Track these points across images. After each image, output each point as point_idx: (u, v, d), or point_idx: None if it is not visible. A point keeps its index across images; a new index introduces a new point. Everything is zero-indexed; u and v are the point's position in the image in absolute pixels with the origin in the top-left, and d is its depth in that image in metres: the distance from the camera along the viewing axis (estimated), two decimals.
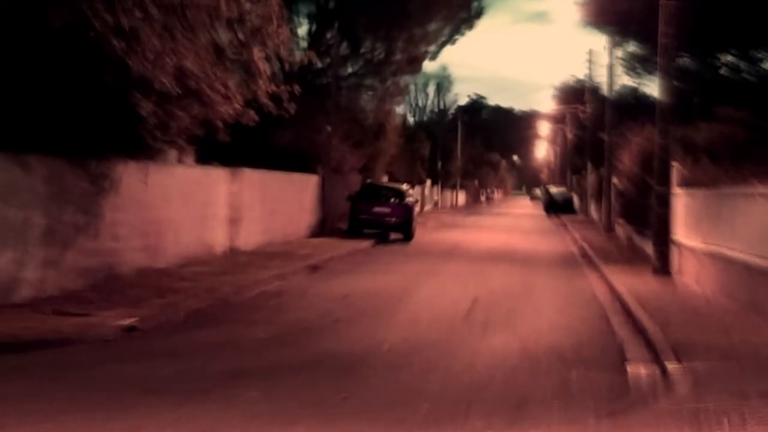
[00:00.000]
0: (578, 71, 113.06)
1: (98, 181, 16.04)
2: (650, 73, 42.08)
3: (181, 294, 15.66)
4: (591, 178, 55.81)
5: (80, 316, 12.87)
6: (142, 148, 16.71)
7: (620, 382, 10.46)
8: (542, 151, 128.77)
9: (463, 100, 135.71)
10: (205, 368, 10.58)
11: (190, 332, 13.04)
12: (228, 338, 12.71)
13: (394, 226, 34.82)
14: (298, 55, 21.39)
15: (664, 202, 21.99)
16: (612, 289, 19.54)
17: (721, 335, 13.33)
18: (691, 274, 20.23)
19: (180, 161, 21.60)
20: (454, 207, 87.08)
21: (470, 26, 40.99)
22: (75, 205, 15.30)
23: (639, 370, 11.18)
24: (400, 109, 61.45)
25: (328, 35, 37.75)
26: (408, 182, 45.94)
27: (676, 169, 22.54)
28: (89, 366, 10.50)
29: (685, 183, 22.05)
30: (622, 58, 44.71)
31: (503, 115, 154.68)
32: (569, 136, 79.73)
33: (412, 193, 40.85)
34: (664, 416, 8.93)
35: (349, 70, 39.60)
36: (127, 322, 12.69)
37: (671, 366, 10.88)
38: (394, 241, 34.23)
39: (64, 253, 15.00)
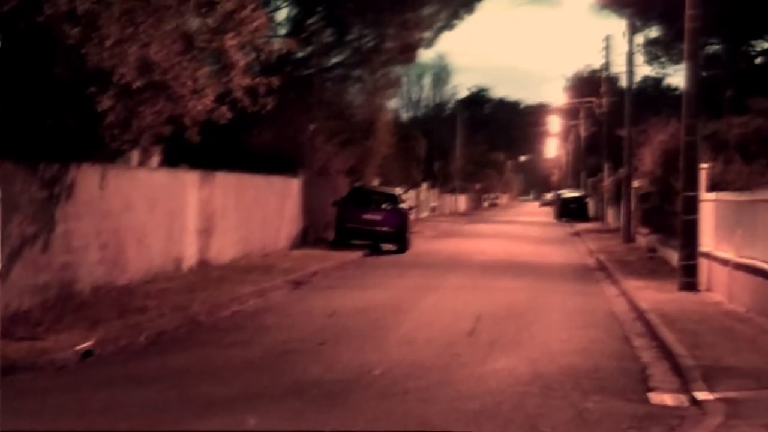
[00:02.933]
0: (593, 60, 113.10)
1: (50, 186, 15.96)
2: (675, 61, 42.19)
3: (144, 313, 15.60)
4: (608, 181, 55.85)
5: (29, 340, 12.81)
6: (100, 149, 16.66)
7: (643, 413, 10.43)
8: (553, 150, 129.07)
9: (462, 93, 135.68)
10: (172, 398, 10.52)
11: (156, 357, 12.99)
12: (199, 363, 12.66)
13: (386, 236, 34.76)
14: (277, 44, 21.37)
15: (692, 208, 21.97)
16: (633, 306, 19.53)
17: (757, 359, 13.32)
18: (723, 289, 20.22)
19: (143, 164, 21.54)
20: (454, 213, 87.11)
21: (470, 9, 41.03)
22: (23, 214, 15.21)
23: (664, 399, 11.18)
24: (392, 104, 61.40)
25: (311, 20, 37.69)
26: (402, 186, 45.94)
27: (704, 171, 22.54)
28: (40, 396, 10.44)
29: (716, 186, 22.05)
30: (643, 45, 44.84)
31: (508, 109, 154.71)
32: (583, 133, 79.92)
33: (407, 198, 40.81)
34: None
35: (335, 60, 39.52)
36: (82, 345, 12.63)
37: (701, 395, 10.87)
38: (387, 253, 34.19)
39: (9, 267, 14.89)
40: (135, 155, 20.44)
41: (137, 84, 15.15)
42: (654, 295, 20.61)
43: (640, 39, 44.22)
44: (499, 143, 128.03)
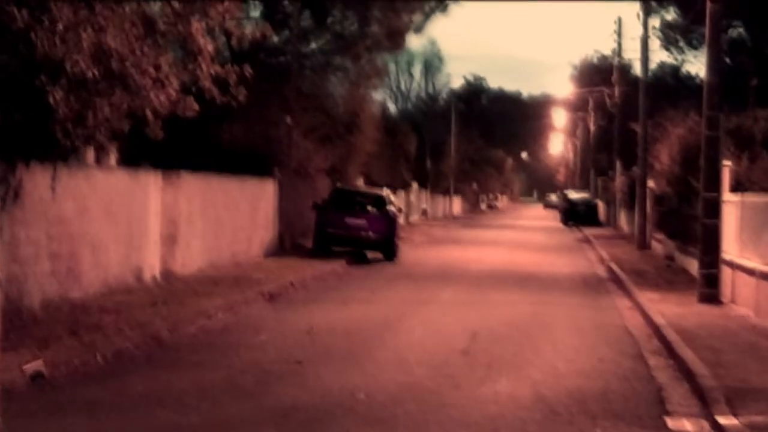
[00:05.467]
0: (603, 46, 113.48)
1: None
2: (695, 47, 42.39)
3: (101, 331, 15.57)
4: (620, 181, 56.01)
5: None
6: (51, 147, 16.60)
7: None
8: (558, 146, 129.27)
9: (457, 83, 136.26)
10: (132, 427, 10.53)
11: (114, 380, 12.98)
12: (162, 387, 12.65)
13: (371, 243, 34.78)
14: (249, 28, 21.36)
15: (713, 211, 22.01)
16: (648, 321, 19.59)
17: None
18: (748, 301, 20.27)
19: (100, 163, 21.52)
20: (448, 217, 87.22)
21: None
22: None
23: (683, 424, 11.21)
24: (378, 95, 61.49)
25: (286, 2, 37.74)
26: (389, 187, 45.96)
27: (727, 169, 22.59)
28: None
29: (740, 186, 22.09)
30: (658, 29, 45.00)
31: (508, 101, 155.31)
32: (592, 127, 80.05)
33: (395, 201, 40.83)
34: None
35: (314, 46, 39.60)
36: (31, 366, 12.60)
37: (723, 419, 10.90)
38: (373, 261, 34.23)
39: None
40: (90, 154, 20.41)
41: (92, 73, 15.13)
42: (671, 308, 20.67)
43: (655, 22, 44.38)
44: (498, 139, 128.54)
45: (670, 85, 53.51)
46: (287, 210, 34.79)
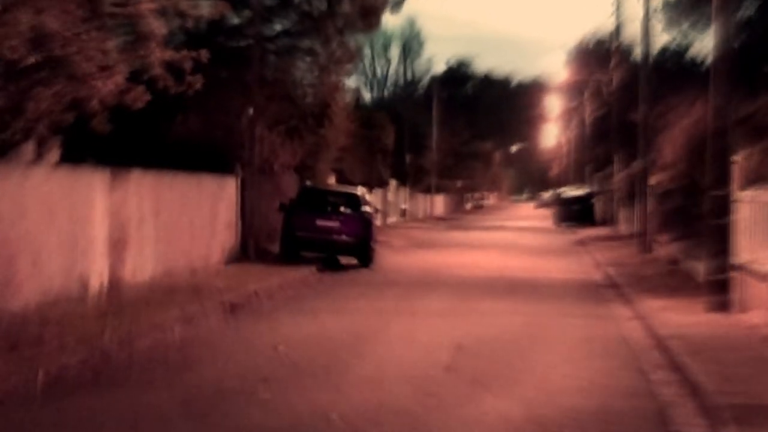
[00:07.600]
0: (601, 27, 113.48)
1: None
2: (700, 29, 42.42)
3: (42, 345, 15.51)
4: (619, 177, 56.13)
5: None
6: None
7: None
8: (551, 138, 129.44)
9: (439, 67, 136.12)
10: None
11: (56, 400, 12.94)
12: (109, 408, 12.61)
13: (345, 247, 34.79)
14: (206, 8, 21.34)
15: (722, 210, 22.02)
16: (650, 332, 19.63)
17: None
18: (762, 310, 20.31)
19: (40, 159, 21.44)
20: (430, 217, 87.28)
21: None
22: None
23: None
24: (351, 82, 61.49)
25: None
26: (365, 185, 45.94)
27: (739, 164, 22.64)
28: None
29: (752, 182, 22.13)
30: (661, 10, 45.04)
31: (496, 87, 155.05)
32: (588, 117, 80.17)
33: (371, 200, 40.81)
34: None
35: (278, 27, 39.47)
36: None
37: None
38: (347, 268, 34.23)
39: None
40: (29, 149, 20.33)
41: (31, 60, 15.10)
42: (676, 318, 20.72)
43: (656, 1, 44.48)
44: (485, 130, 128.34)
45: (673, 72, 53.56)
46: (251, 211, 34.71)
